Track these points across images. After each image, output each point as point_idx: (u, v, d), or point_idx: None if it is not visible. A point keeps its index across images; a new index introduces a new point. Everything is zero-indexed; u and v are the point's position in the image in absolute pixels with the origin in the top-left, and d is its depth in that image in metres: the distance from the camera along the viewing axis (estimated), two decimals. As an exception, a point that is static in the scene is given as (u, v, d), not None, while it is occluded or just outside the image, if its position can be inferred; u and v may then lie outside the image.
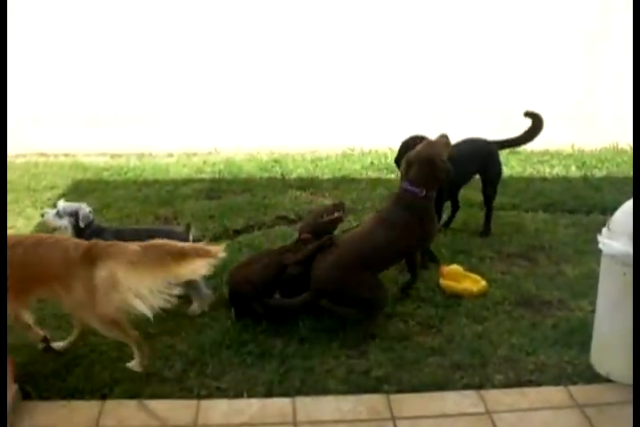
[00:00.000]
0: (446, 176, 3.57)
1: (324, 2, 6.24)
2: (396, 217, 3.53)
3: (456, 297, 3.81)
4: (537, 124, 4.52)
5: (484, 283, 3.88)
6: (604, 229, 3.11)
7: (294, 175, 5.80)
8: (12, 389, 3.01)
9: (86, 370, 3.27)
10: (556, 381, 3.13)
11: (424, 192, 3.53)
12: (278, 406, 3.04)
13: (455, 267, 4.00)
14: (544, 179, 5.65)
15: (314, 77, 6.34)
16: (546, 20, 6.38)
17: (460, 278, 3.93)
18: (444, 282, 3.90)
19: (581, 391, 3.08)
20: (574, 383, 3.12)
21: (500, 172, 4.60)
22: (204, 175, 5.79)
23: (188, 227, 3.72)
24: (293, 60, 6.30)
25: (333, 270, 3.46)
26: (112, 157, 6.30)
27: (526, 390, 3.09)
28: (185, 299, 3.65)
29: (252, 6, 6.20)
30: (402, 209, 3.54)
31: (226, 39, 6.25)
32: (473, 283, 3.90)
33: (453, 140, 4.19)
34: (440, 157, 3.58)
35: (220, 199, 5.30)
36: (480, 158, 4.47)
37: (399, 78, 6.36)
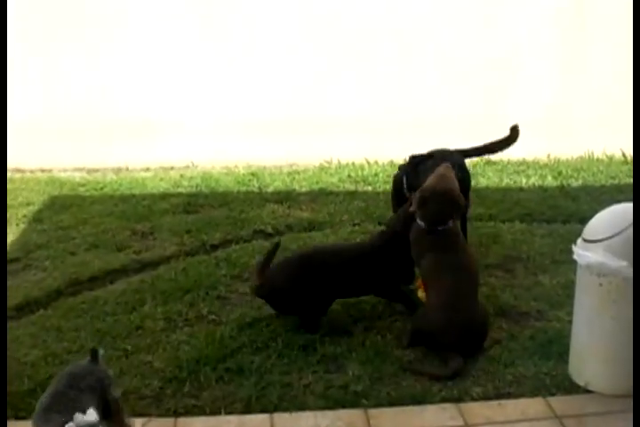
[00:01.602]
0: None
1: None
2: None
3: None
4: (513, 136, 4.51)
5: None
6: (579, 240, 3.13)
7: (271, 189, 5.78)
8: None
9: (62, 389, 3.23)
10: (534, 392, 3.12)
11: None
12: (256, 422, 3.02)
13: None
14: (520, 189, 5.67)
15: (290, 90, 6.34)
16: (520, 26, 6.40)
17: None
18: (422, 294, 3.89)
19: (560, 402, 3.07)
20: (552, 395, 3.11)
21: (469, 181, 4.50)
22: (181, 189, 5.77)
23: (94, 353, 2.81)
24: (269, 73, 6.30)
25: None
26: (88, 172, 6.25)
27: (505, 402, 3.08)
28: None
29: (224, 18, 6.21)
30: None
31: (203, 53, 6.24)
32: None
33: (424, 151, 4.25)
34: (457, 191, 3.60)
35: (198, 213, 5.27)
36: None
37: (374, 89, 6.37)
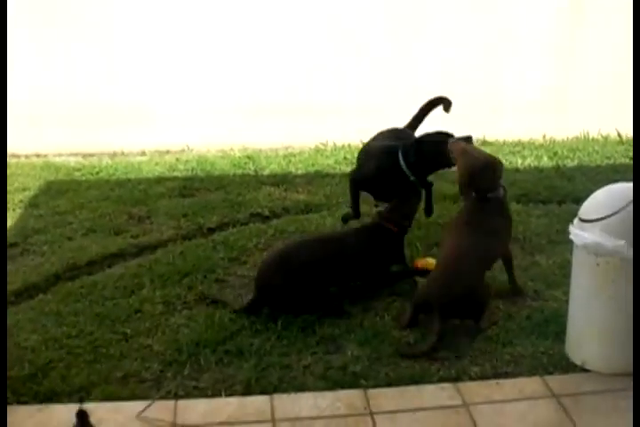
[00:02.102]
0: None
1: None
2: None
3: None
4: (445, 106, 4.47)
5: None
6: (575, 220, 3.14)
7: (267, 171, 5.78)
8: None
9: (62, 373, 3.24)
10: (531, 371, 3.15)
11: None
12: (256, 404, 3.03)
13: (429, 260, 4.01)
14: (516, 170, 5.67)
15: (285, 73, 6.32)
16: (515, 8, 6.38)
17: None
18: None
19: (557, 381, 3.11)
20: (550, 373, 3.15)
21: None
22: (176, 173, 5.76)
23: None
24: (264, 57, 6.27)
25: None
26: (84, 156, 6.23)
27: (502, 381, 3.11)
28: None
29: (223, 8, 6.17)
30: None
31: (198, 36, 6.21)
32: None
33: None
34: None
35: (194, 197, 5.27)
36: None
37: (369, 72, 6.35)
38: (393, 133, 4.43)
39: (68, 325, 3.62)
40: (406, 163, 4.11)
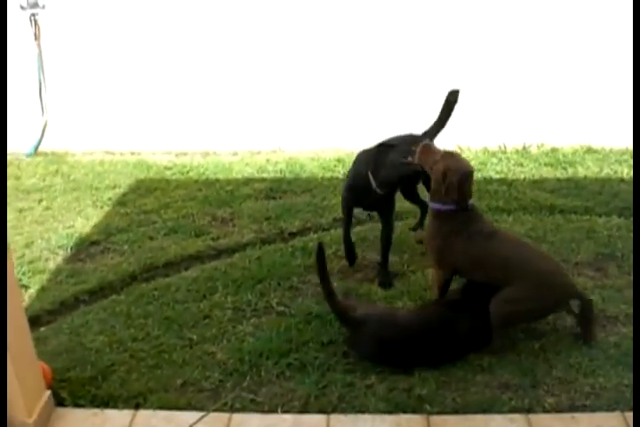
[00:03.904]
0: None
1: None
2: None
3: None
4: (450, 99, 4.01)
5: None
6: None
7: (356, 175, 5.61)
8: (44, 395, 2.98)
9: (122, 377, 3.21)
10: (612, 406, 2.89)
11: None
12: (312, 423, 2.91)
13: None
14: (621, 180, 5.27)
15: (380, 77, 6.14)
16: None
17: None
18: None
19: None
20: (632, 410, 2.87)
21: None
22: (265, 175, 5.68)
23: None
24: (350, 59, 6.11)
25: None
26: (177, 155, 6.26)
27: (579, 415, 2.86)
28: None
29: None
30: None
31: (291, 38, 6.12)
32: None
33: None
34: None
35: (279, 200, 5.17)
36: None
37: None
38: (400, 140, 3.86)
39: (135, 327, 3.61)
40: (372, 173, 3.76)
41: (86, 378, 3.20)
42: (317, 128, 6.17)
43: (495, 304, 3.19)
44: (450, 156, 3.39)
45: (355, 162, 4.04)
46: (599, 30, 5.81)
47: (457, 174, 3.28)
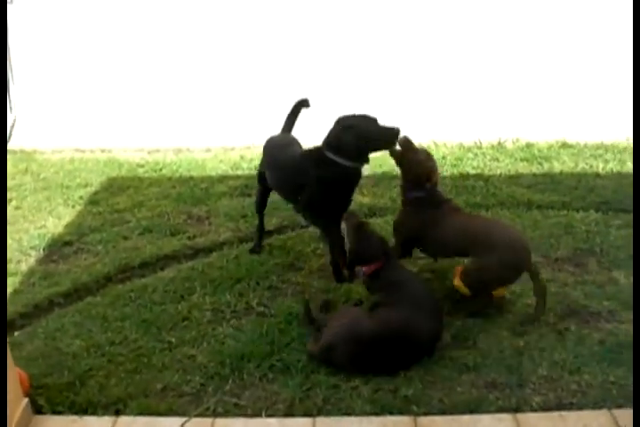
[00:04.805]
0: None
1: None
2: None
3: (497, 307, 3.56)
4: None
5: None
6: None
7: (333, 172, 5.56)
8: (21, 403, 2.89)
9: (101, 383, 3.13)
10: (599, 404, 2.88)
11: None
12: (297, 426, 2.86)
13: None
14: (597, 175, 5.27)
15: (352, 71, 6.11)
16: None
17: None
18: (457, 283, 3.61)
19: (627, 416, 2.79)
20: (619, 407, 2.86)
21: None
22: (240, 171, 5.59)
23: None
24: (319, 55, 6.07)
25: None
26: (149, 152, 6.13)
27: (566, 413, 2.84)
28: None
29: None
30: None
31: (260, 38, 6.06)
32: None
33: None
34: None
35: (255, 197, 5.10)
36: None
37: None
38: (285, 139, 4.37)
39: (112, 330, 3.53)
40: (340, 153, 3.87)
41: (64, 384, 3.12)
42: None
43: (466, 273, 3.49)
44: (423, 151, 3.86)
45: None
46: (574, 28, 5.83)
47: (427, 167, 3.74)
